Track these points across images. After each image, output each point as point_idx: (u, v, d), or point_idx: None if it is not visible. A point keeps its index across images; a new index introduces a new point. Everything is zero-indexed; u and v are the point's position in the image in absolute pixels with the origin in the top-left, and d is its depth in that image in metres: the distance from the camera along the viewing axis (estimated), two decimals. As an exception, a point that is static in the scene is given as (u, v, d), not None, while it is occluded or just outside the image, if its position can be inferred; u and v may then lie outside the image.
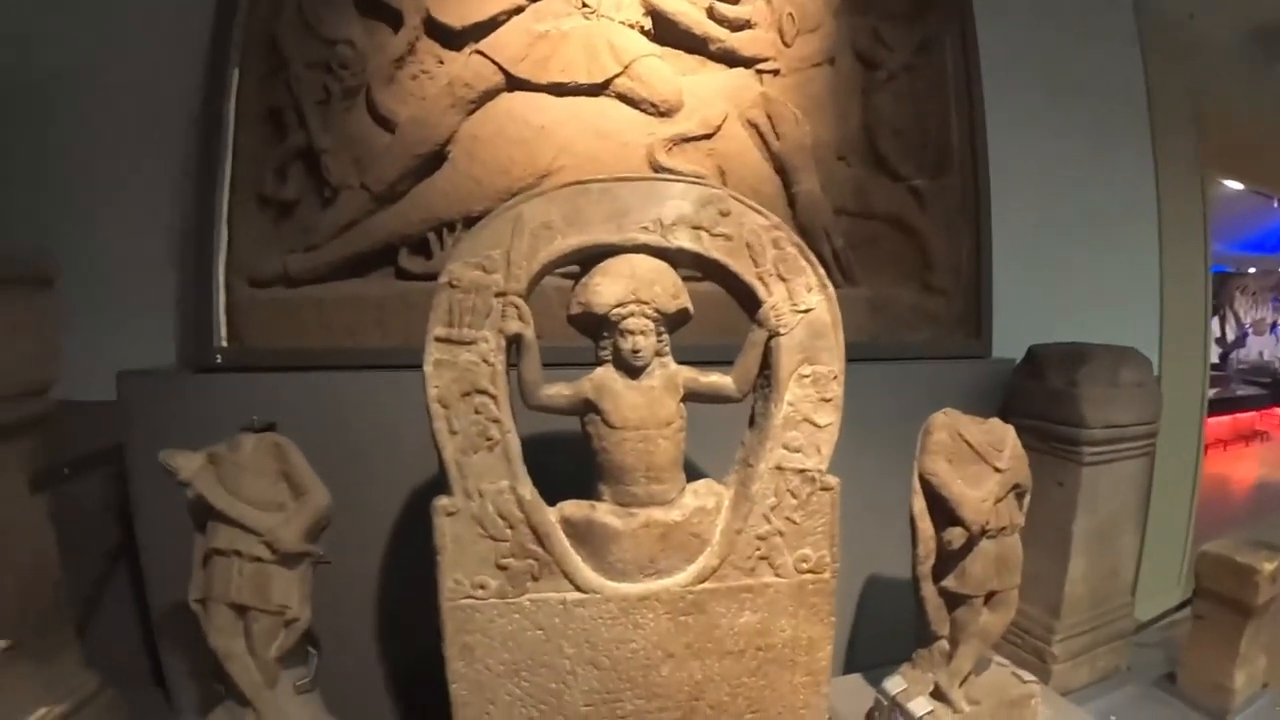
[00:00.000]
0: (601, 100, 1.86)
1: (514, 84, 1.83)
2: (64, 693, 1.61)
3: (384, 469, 1.78)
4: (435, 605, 1.53)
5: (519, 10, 1.86)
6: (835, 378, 1.41)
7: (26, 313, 1.56)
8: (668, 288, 1.33)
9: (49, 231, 1.99)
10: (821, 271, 1.40)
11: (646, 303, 1.31)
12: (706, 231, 1.35)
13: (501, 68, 1.82)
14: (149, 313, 2.06)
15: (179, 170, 2.06)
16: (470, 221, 1.81)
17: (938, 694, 1.62)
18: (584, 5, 1.86)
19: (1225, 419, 6.37)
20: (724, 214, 1.36)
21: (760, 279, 1.37)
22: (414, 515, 1.81)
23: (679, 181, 1.38)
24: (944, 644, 1.68)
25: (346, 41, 1.83)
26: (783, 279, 1.38)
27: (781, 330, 1.37)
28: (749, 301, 1.39)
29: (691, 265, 1.37)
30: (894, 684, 1.67)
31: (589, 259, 1.34)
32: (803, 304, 1.39)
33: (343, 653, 1.71)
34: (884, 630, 1.95)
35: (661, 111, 1.87)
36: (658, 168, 1.83)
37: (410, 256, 1.82)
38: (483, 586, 1.31)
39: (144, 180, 2.05)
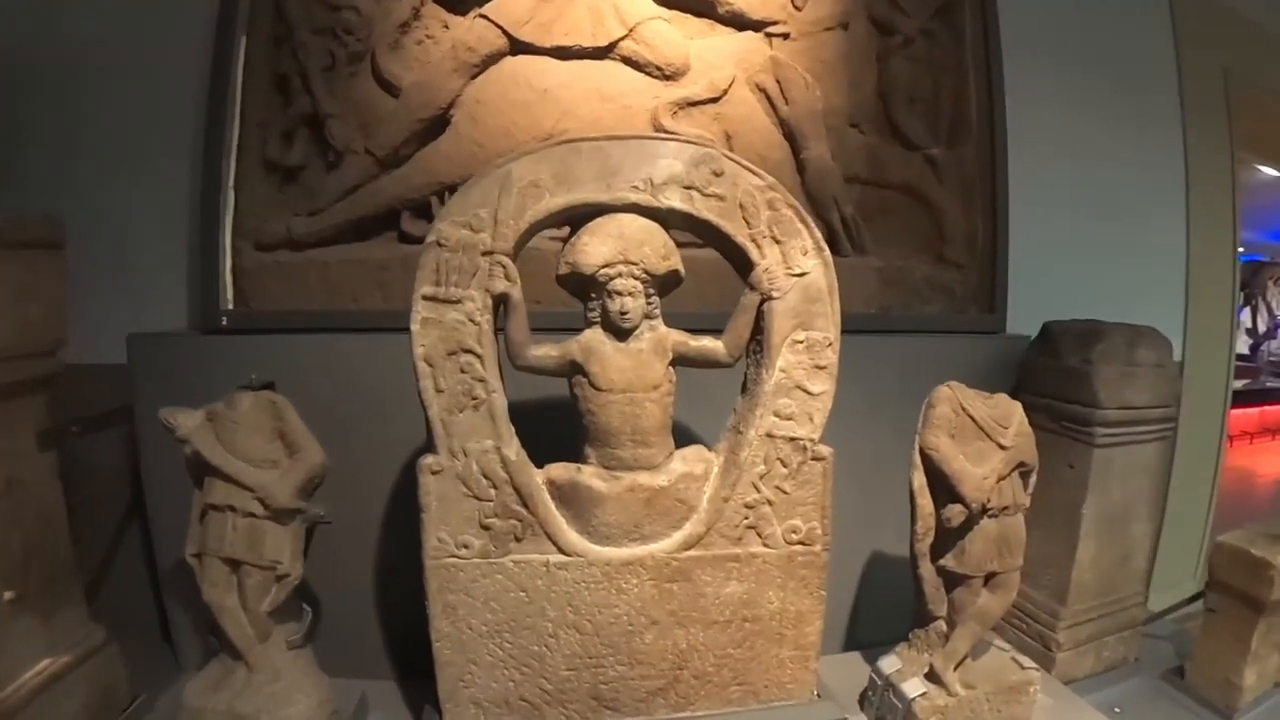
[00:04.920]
0: (606, 64, 1.81)
1: (518, 48, 1.79)
2: (68, 645, 1.63)
3: (385, 429, 1.78)
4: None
5: (524, -28, 1.81)
6: (830, 344, 1.35)
7: (34, 275, 1.58)
8: (657, 248, 1.29)
9: (59, 196, 2.02)
10: (819, 235, 1.34)
11: (635, 263, 1.27)
12: (699, 191, 1.30)
13: (505, 31, 1.78)
14: (158, 276, 2.08)
15: (187, 135, 2.08)
16: (471, 185, 1.79)
17: (932, 676, 1.56)
18: (590, -33, 1.80)
19: (1253, 411, 6.08)
20: (717, 174, 1.30)
21: (753, 240, 1.32)
22: (413, 475, 1.79)
23: (672, 140, 1.33)
24: (941, 625, 1.61)
25: (351, 7, 1.81)
26: (777, 241, 1.33)
27: (774, 294, 1.32)
28: (742, 264, 1.34)
29: (683, 226, 1.33)
30: (889, 664, 1.62)
31: (578, 218, 1.30)
32: (797, 267, 1.33)
33: (338, 611, 1.73)
34: (886, 609, 1.89)
35: (667, 75, 1.81)
36: (663, 131, 1.77)
37: (412, 220, 1.80)
38: (466, 546, 1.29)
39: (152, 146, 2.06)
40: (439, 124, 1.80)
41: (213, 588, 1.45)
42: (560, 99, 1.79)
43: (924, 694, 1.53)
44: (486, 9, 1.80)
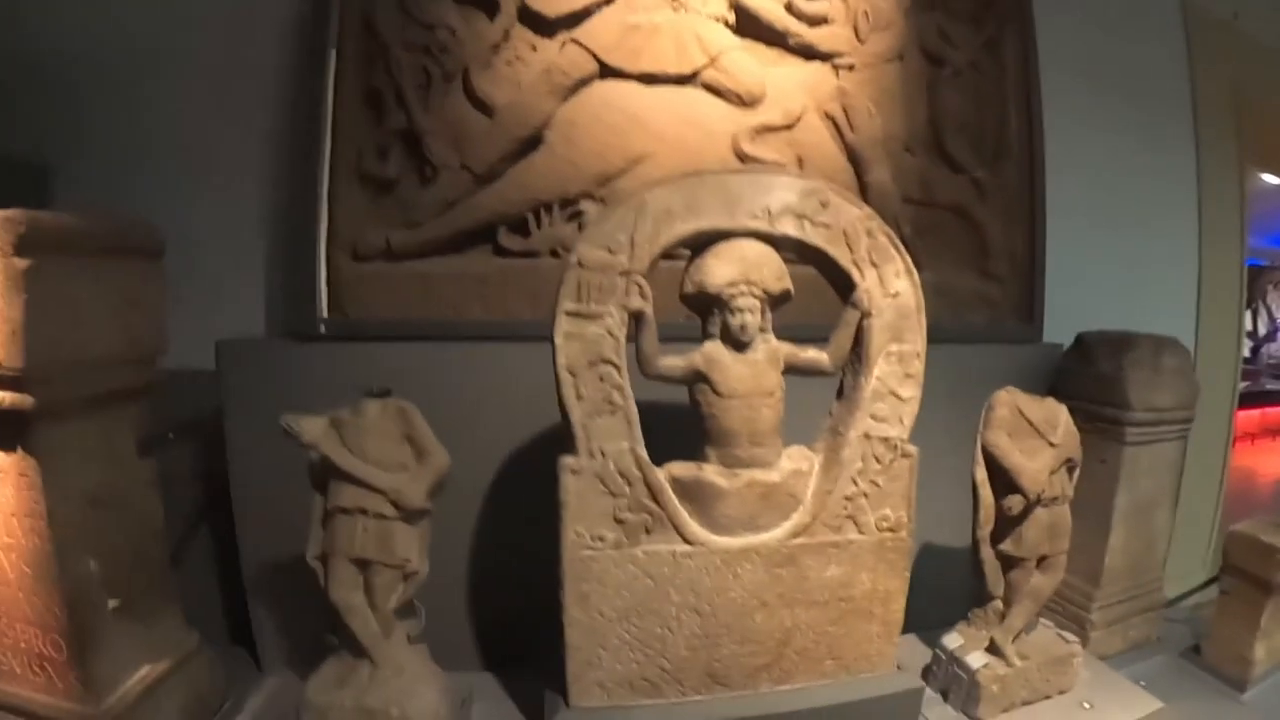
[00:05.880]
0: (689, 90, 2.04)
1: (607, 72, 2.01)
2: (165, 651, 1.74)
3: (481, 433, 1.94)
4: (531, 560, 1.72)
5: (609, 1, 2.02)
6: (917, 355, 1.62)
7: (139, 283, 1.70)
8: (774, 270, 1.53)
9: (141, 203, 2.15)
10: (909, 259, 1.60)
11: (755, 283, 1.51)
12: (809, 220, 1.54)
13: (596, 57, 1.99)
14: (229, 284, 2.23)
15: (268, 146, 2.24)
16: (567, 202, 2.01)
17: (993, 649, 1.84)
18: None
19: (1254, 413, 6.48)
20: (824, 204, 1.55)
21: (855, 264, 1.57)
22: (508, 478, 1.99)
23: (784, 174, 1.57)
24: (998, 604, 1.90)
25: (446, 26, 1.99)
26: (874, 265, 1.58)
27: (873, 312, 1.57)
28: (843, 285, 1.59)
29: (794, 250, 1.57)
30: (952, 640, 1.90)
31: (703, 242, 1.53)
32: (892, 288, 1.59)
33: (440, 605, 1.90)
34: (933, 595, 2.16)
35: (745, 102, 2.05)
36: (743, 156, 2.02)
37: (509, 234, 2.00)
38: (601, 538, 1.51)
39: (232, 155, 2.22)
40: (532, 142, 2.00)
41: (341, 587, 1.59)
42: (648, 123, 2.01)
43: (986, 665, 1.80)
44: (577, 34, 2.01)
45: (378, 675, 1.61)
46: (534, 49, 2.02)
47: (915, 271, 1.60)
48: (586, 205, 2.00)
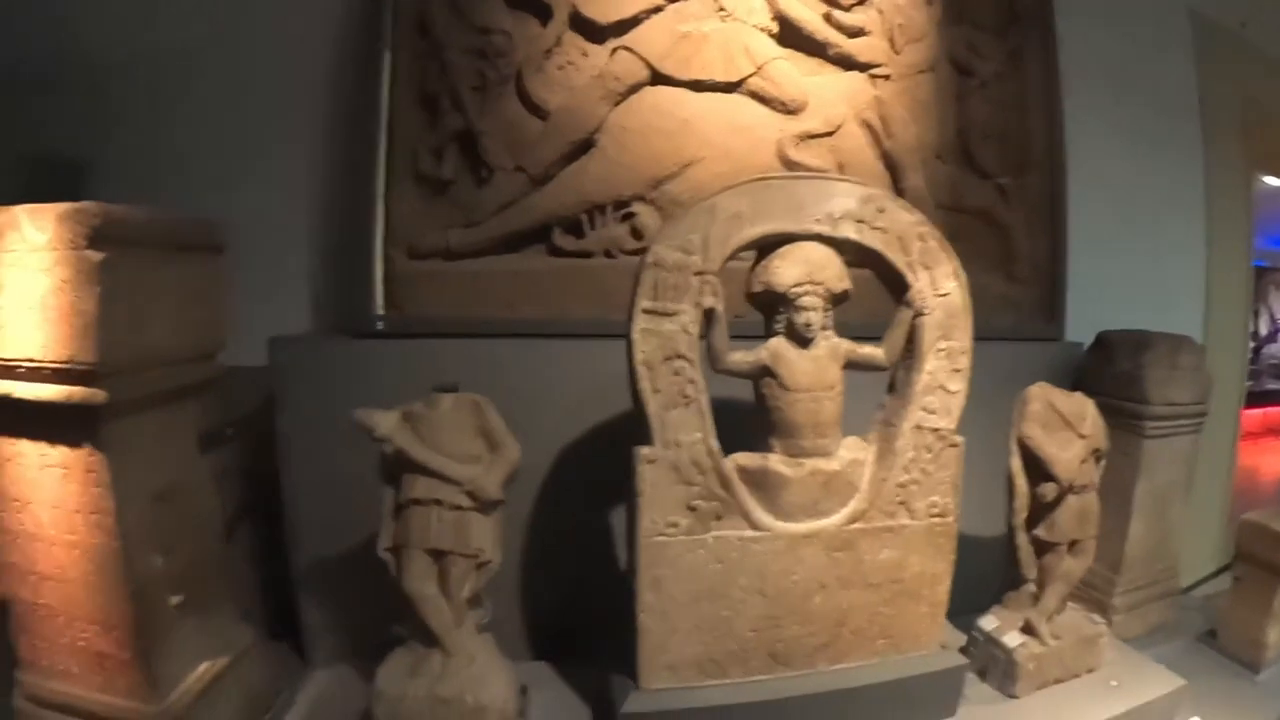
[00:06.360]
0: (736, 97, 2.18)
1: (658, 79, 2.13)
2: (223, 647, 1.79)
3: (535, 430, 2.01)
4: (581, 553, 1.81)
5: (658, 9, 2.15)
6: (965, 352, 1.76)
7: (202, 279, 1.75)
8: (836, 271, 1.66)
9: (185, 202, 2.23)
10: (958, 263, 1.75)
11: (820, 284, 1.64)
12: (867, 225, 1.68)
13: (648, 63, 2.12)
14: (276, 282, 2.31)
15: (315, 145, 2.33)
16: (619, 204, 2.14)
17: (1028, 629, 1.99)
18: (720, 9, 2.16)
19: (1257, 412, 6.69)
20: (881, 210, 1.69)
21: (909, 267, 1.71)
22: (561, 472, 2.10)
23: (843, 181, 1.71)
24: (1031, 587, 2.05)
25: (501, 31, 2.10)
26: (926, 268, 1.72)
27: (925, 311, 1.72)
28: (897, 286, 1.73)
29: (853, 253, 1.70)
30: (988, 621, 2.05)
31: (770, 245, 1.66)
32: (942, 289, 1.74)
33: (498, 594, 2.00)
34: (962, 582, 2.33)
35: (790, 110, 2.19)
36: (789, 162, 2.16)
37: (563, 235, 2.11)
38: (674, 525, 1.63)
39: (277, 154, 2.30)
40: (585, 145, 2.12)
41: (415, 578, 1.65)
42: (697, 128, 2.14)
43: (1023, 644, 1.95)
44: (628, 42, 2.13)
45: (450, 664, 1.67)
46: (585, 54, 2.14)
47: (963, 274, 1.75)
48: (638, 207, 2.13)
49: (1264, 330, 8.76)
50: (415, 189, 2.11)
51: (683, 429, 1.61)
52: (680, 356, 1.59)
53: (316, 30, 2.28)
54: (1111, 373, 2.35)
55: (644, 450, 1.61)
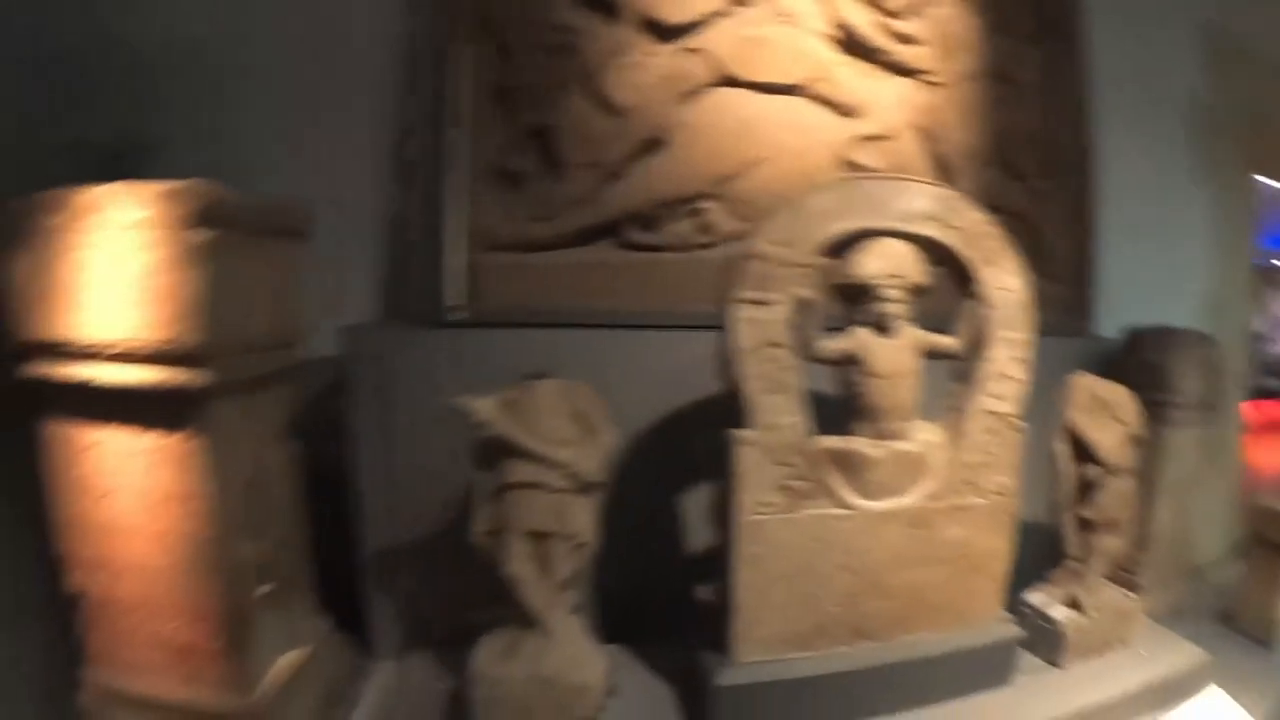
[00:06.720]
0: (797, 100, 2.32)
1: (724, 80, 2.27)
2: (304, 638, 1.84)
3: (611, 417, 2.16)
4: (656, 537, 1.88)
5: (723, 13, 2.29)
6: (1025, 342, 1.93)
7: (289, 265, 1.79)
8: (916, 266, 1.81)
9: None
10: (1021, 259, 1.92)
11: (901, 277, 1.79)
12: (942, 222, 1.84)
13: (715, 65, 2.25)
14: (340, 273, 2.37)
15: (380, 137, 2.40)
16: (686, 200, 2.26)
17: (1072, 604, 2.18)
18: (780, 14, 2.31)
19: (1255, 409, 7.19)
20: (955, 210, 1.85)
21: (978, 262, 1.87)
22: (633, 459, 2.16)
23: (920, 181, 1.86)
24: (1073, 564, 2.24)
25: (571, 29, 2.21)
26: (992, 264, 1.89)
27: (992, 304, 1.88)
28: (966, 280, 1.89)
29: (929, 249, 1.85)
30: (1035, 597, 2.23)
31: (855, 240, 1.80)
32: (1006, 284, 1.90)
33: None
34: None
35: (849, 113, 2.35)
36: (850, 163, 2.31)
37: (633, 229, 2.23)
38: (769, 504, 1.75)
39: (339, 144, 2.37)
40: (654, 143, 2.24)
41: (515, 561, 1.70)
42: (762, 129, 2.27)
43: (1069, 617, 2.14)
44: (696, 43, 2.26)
45: (549, 645, 1.74)
46: (653, 54, 2.26)
47: (1023, 269, 1.92)
48: (705, 204, 2.25)
49: (1263, 329, 9.10)
50: (488, 183, 2.20)
51: (778, 413, 1.73)
52: (776, 344, 1.72)
53: (379, 21, 2.35)
54: (1137, 364, 2.56)
55: (742, 433, 1.73)
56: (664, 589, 2.12)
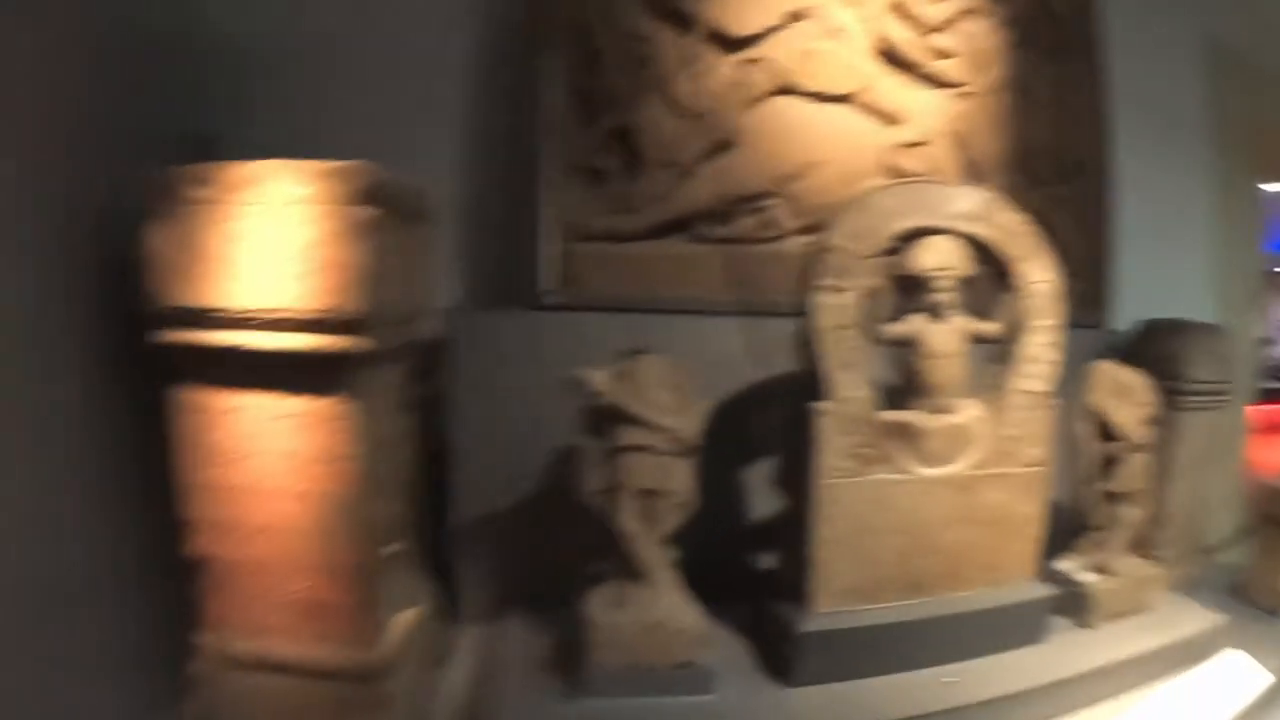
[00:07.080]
0: (847, 108, 2.61)
1: (783, 89, 2.55)
2: (416, 598, 1.96)
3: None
4: (726, 501, 2.11)
5: (781, 28, 2.58)
6: (1057, 328, 2.21)
7: (425, 244, 1.91)
8: (965, 260, 2.09)
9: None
10: (1053, 256, 2.19)
11: (953, 269, 2.07)
12: (987, 221, 2.12)
13: (776, 75, 2.53)
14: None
15: (471, 136, 2.66)
16: (749, 199, 2.55)
17: (1099, 569, 2.44)
18: (832, 30, 2.59)
19: (1258, 410, 7.48)
20: (997, 210, 2.13)
21: (1017, 257, 2.15)
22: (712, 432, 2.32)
23: (964, 186, 2.14)
24: (1098, 534, 2.52)
25: (648, 39, 2.49)
26: (1028, 259, 2.17)
27: (1028, 295, 2.16)
28: (1005, 273, 2.17)
29: (974, 246, 2.13)
30: (1064, 564, 2.50)
31: (912, 236, 2.07)
32: (1039, 277, 2.18)
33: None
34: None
35: (891, 121, 2.63)
36: (894, 168, 2.60)
37: (705, 224, 2.51)
38: (842, 469, 2.01)
39: (430, 135, 2.60)
40: (722, 145, 2.53)
41: (628, 516, 1.88)
42: (815, 135, 2.58)
43: (1098, 580, 2.42)
44: (759, 54, 2.55)
45: (654, 594, 1.94)
46: (720, 64, 2.55)
47: (1054, 264, 2.20)
48: (769, 202, 2.54)
49: (1265, 332, 9.29)
50: (572, 179, 2.48)
51: (850, 387, 2.00)
52: (849, 327, 1.99)
53: (471, 27, 2.61)
54: (1153, 353, 2.85)
55: (820, 405, 1.99)
56: (728, 553, 2.37)
